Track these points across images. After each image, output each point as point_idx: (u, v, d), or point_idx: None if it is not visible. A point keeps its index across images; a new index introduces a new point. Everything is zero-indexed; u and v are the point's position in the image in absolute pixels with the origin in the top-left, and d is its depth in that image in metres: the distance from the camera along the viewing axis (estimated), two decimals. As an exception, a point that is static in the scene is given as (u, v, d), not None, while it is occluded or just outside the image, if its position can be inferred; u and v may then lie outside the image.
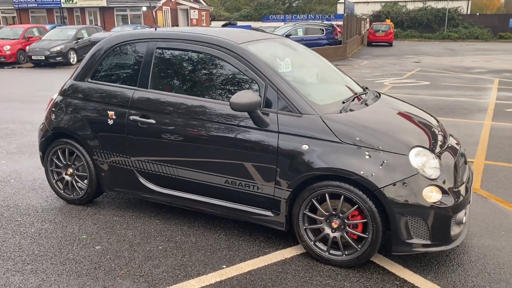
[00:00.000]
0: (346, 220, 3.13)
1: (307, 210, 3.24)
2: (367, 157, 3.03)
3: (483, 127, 7.44)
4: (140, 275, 3.11)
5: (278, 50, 3.98)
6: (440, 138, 3.48)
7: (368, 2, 46.48)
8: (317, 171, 3.10)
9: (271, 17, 46.65)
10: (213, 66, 3.59)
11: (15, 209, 4.21)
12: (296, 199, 3.25)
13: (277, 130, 3.23)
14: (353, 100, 3.59)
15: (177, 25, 30.22)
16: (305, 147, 3.14)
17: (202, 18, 30.36)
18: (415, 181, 2.97)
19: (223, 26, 29.27)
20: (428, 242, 3.01)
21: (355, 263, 3.17)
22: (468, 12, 44.93)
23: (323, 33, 22.18)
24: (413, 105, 4.13)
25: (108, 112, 3.86)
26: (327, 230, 3.22)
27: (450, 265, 3.25)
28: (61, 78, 14.60)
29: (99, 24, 27.16)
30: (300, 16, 45.09)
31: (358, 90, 4.03)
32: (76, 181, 4.23)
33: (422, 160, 3.05)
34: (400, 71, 16.01)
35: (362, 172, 2.98)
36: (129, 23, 27.27)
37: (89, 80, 4.06)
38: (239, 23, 31.67)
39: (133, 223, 3.92)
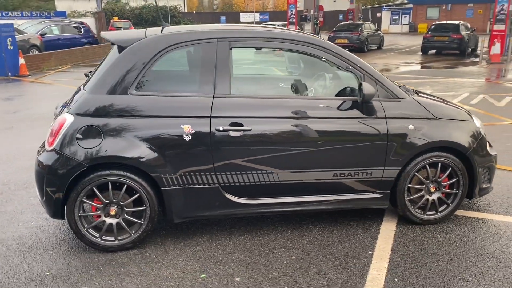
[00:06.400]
0: (442, 183, 3.75)
1: (408, 183, 3.69)
2: (455, 127, 3.72)
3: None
4: (329, 283, 2.96)
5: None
6: None
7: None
8: (425, 146, 3.58)
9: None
10: (302, 64, 3.53)
11: (55, 281, 3.02)
12: (402, 175, 3.65)
13: (384, 116, 3.53)
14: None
15: None
16: (411, 127, 3.57)
17: None
18: (483, 140, 3.84)
19: None
20: (489, 185, 3.95)
21: (448, 217, 3.84)
22: (186, 10, 48.99)
23: (81, 32, 20.65)
24: None
25: (183, 126, 3.24)
26: (426, 196, 3.76)
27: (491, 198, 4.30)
28: None
29: None
30: (13, 14, 39.65)
31: None
32: (125, 220, 3.35)
33: (480, 123, 3.94)
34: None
35: (458, 140, 3.66)
36: None
37: (134, 92, 3.26)
38: None
39: (223, 247, 3.46)
